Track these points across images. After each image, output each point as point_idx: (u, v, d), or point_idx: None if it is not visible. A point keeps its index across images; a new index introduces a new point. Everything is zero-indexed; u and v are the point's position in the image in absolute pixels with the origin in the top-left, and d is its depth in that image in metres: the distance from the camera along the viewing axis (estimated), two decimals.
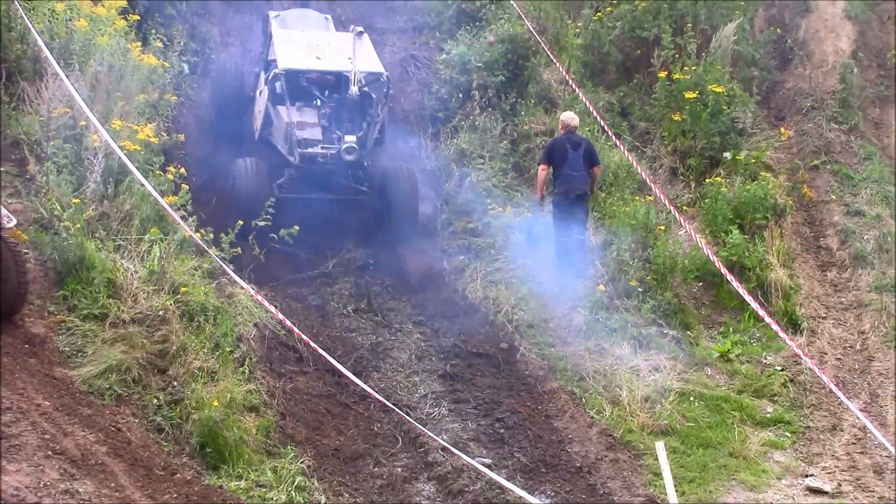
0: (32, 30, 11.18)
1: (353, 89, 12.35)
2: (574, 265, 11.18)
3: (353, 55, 12.60)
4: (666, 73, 13.27)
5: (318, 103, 13.02)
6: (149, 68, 11.89)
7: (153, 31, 12.94)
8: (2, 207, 7.92)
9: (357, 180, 12.81)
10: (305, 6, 16.10)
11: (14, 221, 8.16)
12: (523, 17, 14.79)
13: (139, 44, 12.15)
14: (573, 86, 13.40)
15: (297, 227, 11.38)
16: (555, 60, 13.91)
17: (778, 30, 14.71)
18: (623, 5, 14.19)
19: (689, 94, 12.70)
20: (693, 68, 13.04)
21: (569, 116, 11.64)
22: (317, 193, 12.61)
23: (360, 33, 12.86)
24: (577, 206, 11.21)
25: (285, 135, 12.76)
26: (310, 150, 12.40)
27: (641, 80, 13.87)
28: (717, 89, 12.69)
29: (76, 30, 11.61)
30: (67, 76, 10.61)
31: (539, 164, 11.60)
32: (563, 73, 13.71)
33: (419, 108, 14.73)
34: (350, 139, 12.21)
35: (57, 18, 11.71)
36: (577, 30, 14.67)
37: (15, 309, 8.05)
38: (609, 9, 14.50)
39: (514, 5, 15.08)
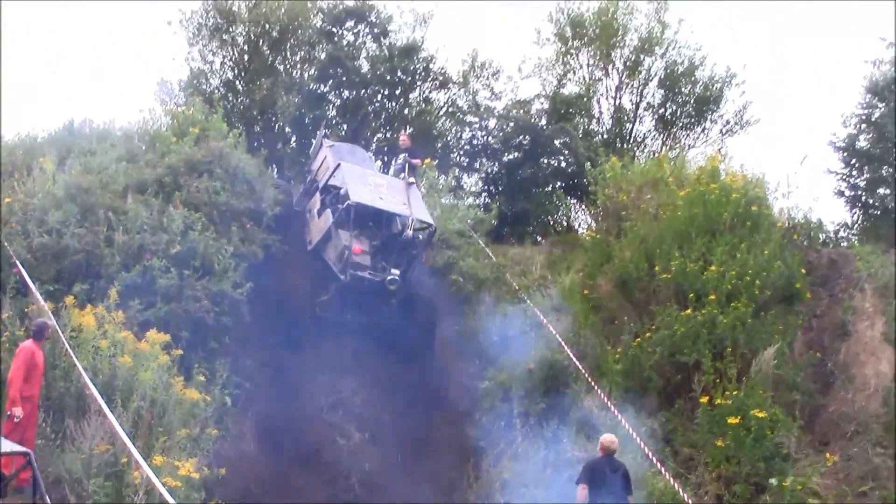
0: (78, 366, 13.80)
1: (409, 232, 18.16)
2: None
3: (408, 202, 18.59)
4: (707, 397, 15.57)
5: (368, 233, 18.58)
6: (191, 402, 14.51)
7: (196, 364, 15.87)
8: None
9: (388, 305, 18.20)
10: (353, 147, 22.12)
11: None
12: (563, 343, 17.45)
13: (181, 378, 14.84)
14: (615, 411, 15.68)
15: None
16: (595, 386, 16.41)
17: (818, 353, 16.98)
18: (662, 331, 16.84)
19: (732, 420, 14.90)
20: (735, 393, 15.38)
21: (609, 440, 13.88)
22: (351, 315, 18.19)
23: (411, 184, 19.55)
24: None
25: (340, 254, 18.11)
26: (359, 272, 17.81)
27: (683, 405, 16.21)
28: (760, 414, 14.84)
29: (120, 366, 14.27)
30: (110, 412, 13.01)
31: (578, 483, 13.61)
32: (604, 398, 16.06)
33: (460, 436, 17.54)
34: (395, 272, 17.96)
35: (101, 355, 14.46)
36: (617, 355, 17.12)
37: None
38: (648, 334, 17.09)
39: (553, 332, 17.78)
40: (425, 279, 19.85)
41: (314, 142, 23.30)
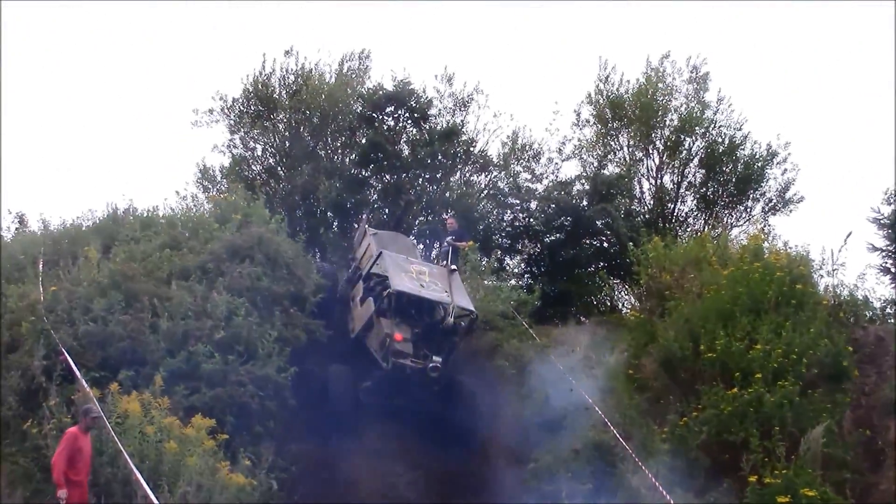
0: (124, 453, 14.12)
1: (450, 321, 18.40)
2: None
3: (449, 290, 18.84)
4: (756, 476, 15.48)
5: (410, 321, 18.87)
6: (237, 487, 14.74)
7: (241, 448, 16.09)
8: None
9: (431, 392, 18.33)
10: (396, 235, 22.63)
11: None
12: (608, 423, 17.53)
13: (227, 462, 15.09)
14: (662, 492, 15.64)
15: None
16: (643, 466, 16.41)
17: (867, 431, 16.81)
18: (708, 410, 16.84)
19: (782, 499, 14.79)
20: (783, 472, 15.28)
21: None
22: (395, 401, 18.20)
23: (453, 271, 19.90)
24: None
25: (382, 342, 18.36)
26: (401, 360, 17.99)
27: (731, 485, 16.04)
28: (810, 493, 14.71)
29: (166, 451, 14.56)
30: (157, 498, 13.37)
31: None
32: (652, 479, 16.03)
33: None
34: (437, 359, 18.09)
35: (147, 441, 14.75)
36: (664, 435, 17.12)
37: None
38: (694, 413, 17.08)
39: (599, 412, 17.88)
40: (469, 361, 20.02)
41: (357, 228, 23.71)
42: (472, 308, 19.38)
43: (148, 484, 13.70)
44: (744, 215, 29.95)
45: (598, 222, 28.71)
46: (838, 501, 15.34)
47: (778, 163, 29.47)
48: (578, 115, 30.90)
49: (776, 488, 15.33)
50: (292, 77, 29.99)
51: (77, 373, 16.03)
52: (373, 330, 19.20)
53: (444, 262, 22.28)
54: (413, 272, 19.53)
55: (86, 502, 13.78)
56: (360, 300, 20.32)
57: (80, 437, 13.75)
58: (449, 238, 23.92)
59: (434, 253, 24.01)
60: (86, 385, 15.73)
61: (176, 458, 14.74)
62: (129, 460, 14.15)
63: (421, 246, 23.89)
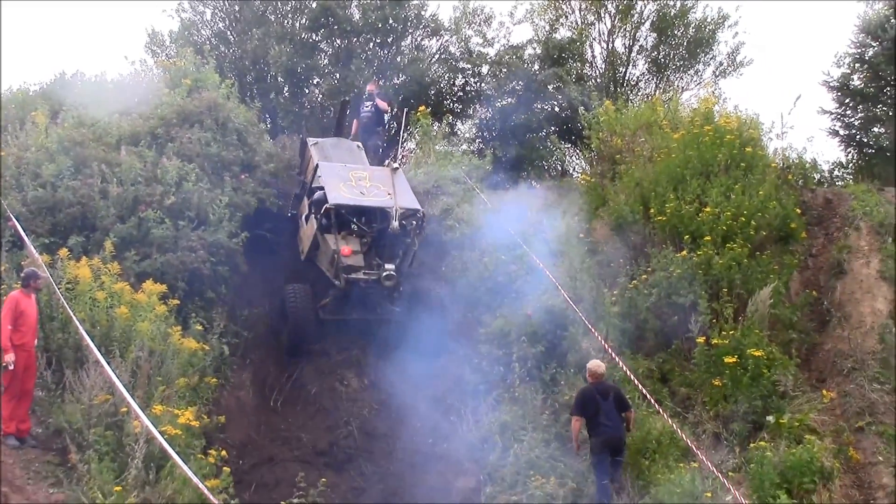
0: (74, 318, 13.73)
1: (395, 225, 17.20)
2: None
3: (392, 191, 17.57)
4: (704, 338, 15.50)
5: (357, 231, 17.90)
6: (189, 352, 14.48)
7: (193, 314, 15.90)
8: None
9: (392, 301, 17.55)
10: (339, 140, 21.09)
11: None
12: (559, 287, 17.25)
13: (179, 328, 14.81)
14: (612, 354, 15.59)
15: None
16: (592, 329, 16.24)
17: (814, 292, 17.00)
18: (658, 273, 16.75)
19: (729, 359, 14.84)
20: (731, 333, 15.32)
21: (595, 364, 14.15)
22: (356, 314, 17.41)
23: (396, 169, 18.38)
24: (616, 453, 13.72)
25: (331, 260, 17.38)
26: (353, 275, 17.09)
27: (680, 346, 16.13)
28: (757, 353, 14.77)
29: (117, 317, 14.24)
30: (108, 363, 13.00)
31: (572, 416, 13.96)
32: (601, 341, 15.95)
33: (460, 381, 17.29)
34: (389, 267, 17.12)
35: (98, 306, 14.40)
36: (614, 298, 16.97)
37: None
38: (644, 276, 17.02)
39: (550, 276, 17.59)
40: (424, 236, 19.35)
41: (300, 142, 22.30)
42: (418, 206, 18.28)
43: (99, 349, 13.39)
44: (694, 79, 29.53)
45: (550, 87, 28.16)
46: (784, 361, 15.39)
47: (729, 26, 28.89)
48: None
49: (724, 349, 15.34)
50: None
51: (26, 239, 15.55)
52: (320, 249, 18.25)
53: (376, 132, 21.71)
54: (352, 179, 18.34)
55: (33, 365, 13.30)
56: (305, 218, 19.30)
57: (21, 300, 13.19)
58: (369, 103, 23.21)
59: (354, 127, 23.09)
60: (34, 251, 15.26)
61: (127, 324, 14.41)
62: (79, 326, 13.79)
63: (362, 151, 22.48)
